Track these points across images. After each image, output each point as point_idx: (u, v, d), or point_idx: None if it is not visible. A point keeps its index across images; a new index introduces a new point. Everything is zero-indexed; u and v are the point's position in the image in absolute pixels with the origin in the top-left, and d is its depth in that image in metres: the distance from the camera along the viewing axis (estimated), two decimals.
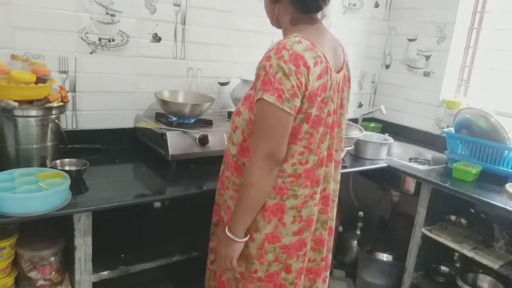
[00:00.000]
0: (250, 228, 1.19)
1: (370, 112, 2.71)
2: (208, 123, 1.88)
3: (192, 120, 1.87)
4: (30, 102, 1.43)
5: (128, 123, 1.96)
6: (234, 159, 1.24)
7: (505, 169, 1.99)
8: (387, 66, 2.84)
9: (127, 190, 1.48)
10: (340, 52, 1.23)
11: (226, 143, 1.80)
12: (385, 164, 2.15)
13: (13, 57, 1.53)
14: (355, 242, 2.54)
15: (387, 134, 2.39)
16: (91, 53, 1.79)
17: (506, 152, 1.98)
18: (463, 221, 2.07)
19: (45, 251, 1.39)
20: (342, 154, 1.31)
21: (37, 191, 1.21)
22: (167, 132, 1.67)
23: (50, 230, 1.48)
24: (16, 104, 1.39)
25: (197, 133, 1.72)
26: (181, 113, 1.81)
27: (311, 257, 1.30)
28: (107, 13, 1.78)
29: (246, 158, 1.20)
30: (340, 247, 2.59)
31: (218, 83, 2.20)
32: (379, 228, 2.67)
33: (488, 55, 2.44)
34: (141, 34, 1.89)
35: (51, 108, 1.46)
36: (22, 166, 1.42)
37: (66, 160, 1.54)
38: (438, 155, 2.42)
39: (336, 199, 1.35)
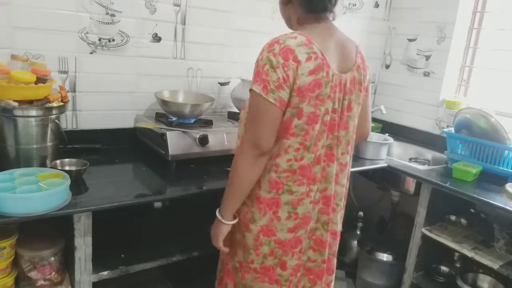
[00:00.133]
0: (247, 219, 1.24)
1: None
2: (208, 123, 1.88)
3: (192, 120, 1.87)
4: (30, 102, 1.43)
5: (128, 123, 1.96)
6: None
7: (505, 169, 1.99)
8: (387, 66, 2.84)
9: (127, 190, 1.48)
10: (352, 54, 1.23)
11: (225, 142, 1.81)
12: (385, 164, 2.15)
13: (13, 57, 1.53)
14: (355, 242, 2.54)
15: (387, 134, 2.39)
16: (91, 53, 1.79)
17: (506, 152, 1.98)
18: (463, 221, 2.07)
19: (45, 251, 1.39)
20: (348, 158, 1.29)
21: (37, 191, 1.21)
22: (167, 132, 1.67)
23: (50, 230, 1.48)
24: (16, 104, 1.39)
25: (197, 133, 1.72)
26: (181, 113, 1.81)
27: (311, 257, 1.30)
28: (107, 13, 1.78)
29: None
30: (340, 247, 2.58)
31: (218, 83, 2.20)
32: (379, 228, 2.67)
33: (488, 55, 2.44)
34: (141, 34, 1.89)
35: (51, 108, 1.46)
36: (22, 166, 1.42)
37: (66, 160, 1.54)
38: (438, 155, 2.42)
39: (341, 203, 1.32)
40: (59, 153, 1.58)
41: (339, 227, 1.36)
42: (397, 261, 2.25)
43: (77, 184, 1.43)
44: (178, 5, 1.96)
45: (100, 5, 1.76)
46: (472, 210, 2.15)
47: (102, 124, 1.89)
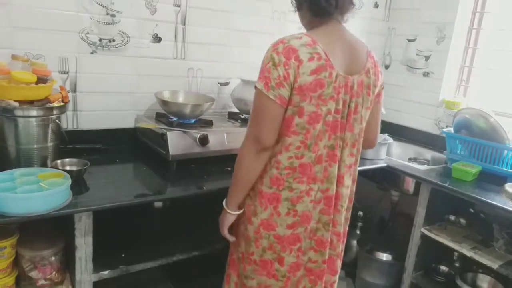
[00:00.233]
0: (250, 212, 1.29)
1: None
2: (208, 123, 1.88)
3: (192, 120, 1.87)
4: (31, 102, 1.43)
5: (129, 123, 1.96)
6: None
7: (504, 169, 1.99)
8: (387, 67, 2.84)
9: (128, 190, 1.48)
10: (362, 57, 1.24)
11: (226, 142, 1.81)
12: (385, 164, 2.15)
13: (14, 57, 1.53)
14: (355, 242, 2.54)
15: (387, 134, 2.40)
16: (91, 53, 1.80)
17: (505, 152, 1.99)
18: (462, 221, 2.07)
19: (46, 250, 1.39)
20: (354, 160, 1.31)
21: (38, 191, 1.22)
22: (168, 132, 1.68)
23: (51, 230, 1.48)
24: (16, 104, 1.39)
25: (197, 133, 1.72)
26: (181, 113, 1.82)
27: (313, 258, 1.31)
28: (108, 14, 1.79)
29: None
30: None
31: (218, 83, 2.21)
32: (379, 228, 2.67)
33: (487, 55, 2.45)
34: (141, 34, 1.89)
35: (51, 108, 1.46)
36: (23, 166, 1.43)
37: (67, 160, 1.54)
38: (437, 155, 2.42)
39: (345, 205, 1.33)
40: (60, 153, 1.58)
41: (343, 229, 1.37)
42: (397, 261, 2.25)
43: (78, 184, 1.44)
44: (178, 6, 1.96)
45: (101, 5, 1.76)
46: (472, 210, 2.15)
47: (103, 124, 1.89)
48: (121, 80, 1.90)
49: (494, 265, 1.74)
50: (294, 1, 1.29)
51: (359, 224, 2.65)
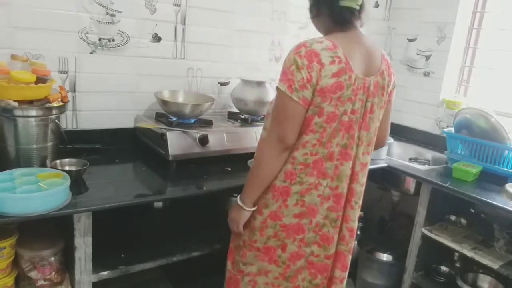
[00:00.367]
0: (261, 204, 1.32)
1: None
2: (208, 123, 1.88)
3: (192, 120, 1.87)
4: (30, 102, 1.43)
5: (128, 123, 1.96)
6: None
7: (505, 169, 1.99)
8: None
9: (127, 190, 1.48)
10: (377, 60, 1.30)
11: (225, 142, 1.81)
12: (385, 164, 2.15)
13: (13, 57, 1.53)
14: (355, 242, 2.54)
15: None
16: (91, 53, 1.79)
17: (506, 152, 1.98)
18: (463, 221, 2.07)
19: (45, 251, 1.39)
20: (369, 158, 1.37)
21: (37, 191, 1.21)
22: (167, 132, 1.67)
23: (50, 230, 1.48)
24: (16, 104, 1.39)
25: (197, 133, 1.72)
26: (181, 113, 1.81)
27: (315, 252, 1.34)
28: (107, 13, 1.78)
29: None
30: None
31: (218, 83, 2.20)
32: (379, 228, 2.67)
33: (488, 55, 2.44)
34: (141, 34, 1.89)
35: (51, 108, 1.46)
36: (22, 166, 1.42)
37: (66, 160, 1.54)
38: (438, 155, 2.42)
39: (359, 202, 1.38)
40: (59, 153, 1.58)
41: (355, 225, 1.41)
42: (397, 261, 2.25)
43: (77, 184, 1.43)
44: (178, 5, 1.96)
45: (100, 5, 1.76)
46: (472, 210, 2.15)
47: (102, 124, 1.89)
48: (120, 80, 1.89)
49: (495, 265, 1.74)
50: (313, 10, 1.31)
51: (360, 224, 2.64)
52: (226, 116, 2.15)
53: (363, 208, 2.62)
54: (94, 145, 1.82)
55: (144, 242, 1.64)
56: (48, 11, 1.66)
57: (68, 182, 1.29)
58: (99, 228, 1.37)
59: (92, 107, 1.85)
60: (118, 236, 1.63)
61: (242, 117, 2.08)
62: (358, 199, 1.37)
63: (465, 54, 2.53)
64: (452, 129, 2.22)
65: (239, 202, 1.34)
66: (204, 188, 1.57)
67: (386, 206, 2.58)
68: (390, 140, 2.31)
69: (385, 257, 2.30)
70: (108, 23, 1.80)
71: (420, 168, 2.15)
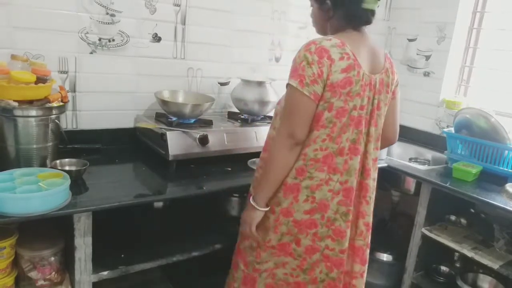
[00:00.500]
0: (273, 203, 1.33)
1: None
2: (208, 123, 1.88)
3: (192, 120, 1.87)
4: (30, 102, 1.43)
5: (128, 123, 1.96)
6: None
7: (505, 169, 1.99)
8: None
9: (127, 190, 1.48)
10: (381, 58, 1.34)
11: (225, 142, 1.81)
12: (385, 164, 2.15)
13: (13, 57, 1.53)
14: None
15: None
16: (91, 53, 1.79)
17: (506, 152, 1.98)
18: (463, 221, 2.07)
19: (45, 251, 1.39)
20: (378, 153, 1.41)
21: (37, 191, 1.21)
22: (167, 132, 1.67)
23: (50, 230, 1.48)
24: (16, 104, 1.39)
25: (197, 133, 1.72)
26: (181, 113, 1.81)
27: (330, 246, 1.35)
28: (107, 13, 1.78)
29: None
30: None
31: (218, 83, 2.20)
32: (379, 228, 2.67)
33: (488, 55, 2.44)
34: (141, 34, 1.89)
35: (51, 108, 1.46)
36: (22, 166, 1.42)
37: (66, 160, 1.54)
38: (438, 155, 2.42)
39: (373, 196, 1.42)
40: (59, 153, 1.58)
41: (371, 219, 1.44)
42: (397, 261, 2.25)
43: (77, 184, 1.43)
44: (178, 5, 1.96)
45: (100, 5, 1.76)
46: (472, 210, 2.15)
47: (102, 124, 1.89)
48: (120, 80, 1.89)
49: (495, 265, 1.74)
50: (329, 12, 1.31)
51: None
52: (226, 116, 2.15)
53: None
54: (94, 145, 1.82)
55: (144, 242, 1.64)
56: (48, 11, 1.66)
57: (68, 182, 1.29)
58: (99, 228, 1.37)
59: (92, 107, 1.85)
60: (118, 236, 1.63)
61: (242, 117, 2.08)
62: (372, 194, 1.41)
63: (465, 54, 2.53)
64: (452, 129, 2.22)
65: (252, 203, 1.33)
66: (204, 188, 1.56)
67: (386, 206, 2.57)
68: None
69: (385, 257, 2.30)
70: (108, 23, 1.80)
71: (420, 168, 2.15)
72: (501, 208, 1.69)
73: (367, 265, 1.47)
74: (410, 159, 2.51)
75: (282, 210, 1.32)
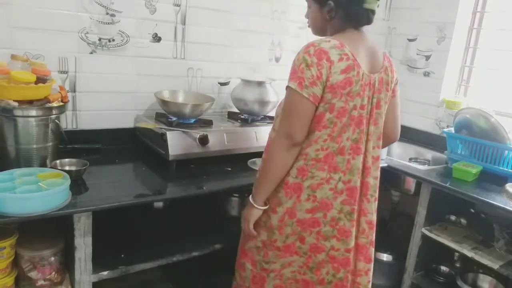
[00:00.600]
0: (274, 203, 1.35)
1: None
2: (208, 123, 1.88)
3: (192, 120, 1.87)
4: (30, 102, 1.43)
5: (128, 123, 1.96)
6: None
7: (505, 169, 1.99)
8: None
9: (127, 190, 1.48)
10: (380, 58, 1.34)
11: (225, 142, 1.81)
12: (385, 164, 2.15)
13: (13, 57, 1.53)
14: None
15: None
16: (91, 53, 1.79)
17: (506, 152, 1.98)
18: (463, 221, 2.07)
19: (45, 251, 1.39)
20: (379, 152, 1.41)
21: (37, 191, 1.21)
22: (167, 132, 1.67)
23: (50, 230, 1.48)
24: (16, 104, 1.39)
25: (197, 133, 1.72)
26: (181, 113, 1.81)
27: (335, 246, 1.35)
28: (107, 13, 1.78)
29: None
30: None
31: (218, 83, 2.20)
32: (379, 228, 2.66)
33: (488, 55, 2.44)
34: (141, 34, 1.89)
35: (51, 108, 1.46)
36: (22, 166, 1.42)
37: (66, 160, 1.54)
38: (438, 155, 2.42)
39: (375, 194, 1.42)
40: (59, 153, 1.58)
41: (374, 217, 1.44)
42: (397, 261, 2.25)
43: (77, 184, 1.43)
44: (178, 5, 1.96)
45: (100, 5, 1.76)
46: (472, 210, 2.15)
47: (102, 124, 1.89)
48: (120, 80, 1.89)
49: (495, 265, 1.74)
50: (331, 13, 1.31)
51: None
52: (226, 116, 2.15)
53: None
54: (94, 145, 1.82)
55: (144, 242, 1.64)
56: (48, 11, 1.66)
57: (68, 182, 1.29)
58: (99, 228, 1.37)
59: (92, 107, 1.85)
60: (118, 236, 1.63)
61: (242, 117, 2.08)
62: (374, 192, 1.41)
63: (465, 54, 2.53)
64: (452, 129, 2.22)
65: (251, 200, 1.36)
66: (204, 188, 1.56)
67: (386, 206, 2.57)
68: None
69: (385, 257, 2.30)
70: (108, 23, 1.80)
71: (420, 168, 2.15)
72: (501, 208, 1.69)
73: (372, 263, 1.46)
74: (410, 159, 2.51)
75: (287, 211, 1.32)
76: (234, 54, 2.20)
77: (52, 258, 1.40)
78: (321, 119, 1.25)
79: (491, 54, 2.41)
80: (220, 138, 1.79)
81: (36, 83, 1.45)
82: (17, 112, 1.39)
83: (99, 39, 1.79)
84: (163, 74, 2.00)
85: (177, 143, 1.68)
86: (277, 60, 2.37)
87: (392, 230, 2.57)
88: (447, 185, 1.89)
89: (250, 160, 1.86)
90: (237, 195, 1.86)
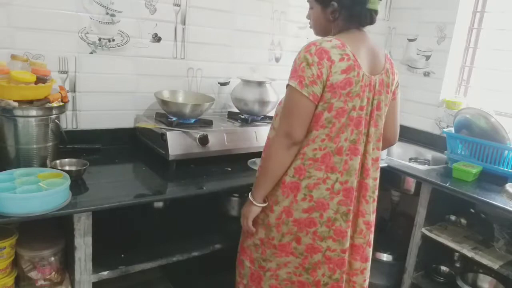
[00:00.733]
0: (271, 201, 1.36)
1: None
2: (208, 123, 1.88)
3: (192, 120, 1.87)
4: (30, 102, 1.43)
5: (128, 123, 1.96)
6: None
7: (505, 169, 1.99)
8: None
9: (127, 190, 1.48)
10: (381, 59, 1.34)
11: (225, 142, 1.81)
12: (385, 164, 2.15)
13: (13, 57, 1.53)
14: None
15: None
16: (91, 53, 1.79)
17: (506, 152, 1.98)
18: (463, 221, 2.07)
19: (45, 251, 1.39)
20: (379, 153, 1.41)
21: (37, 191, 1.21)
22: (167, 132, 1.67)
23: (50, 230, 1.48)
24: (16, 104, 1.39)
25: (197, 133, 1.72)
26: (181, 113, 1.81)
27: (331, 247, 1.36)
28: (107, 13, 1.78)
29: None
30: None
31: (218, 83, 2.20)
32: (379, 228, 2.66)
33: (488, 55, 2.44)
34: (141, 34, 1.89)
35: (51, 108, 1.46)
36: (22, 166, 1.42)
37: (66, 160, 1.54)
38: (438, 155, 2.42)
39: (374, 195, 1.43)
40: (59, 153, 1.58)
41: (372, 218, 1.44)
42: (397, 261, 2.25)
43: (77, 184, 1.43)
44: (178, 5, 1.96)
45: (100, 5, 1.76)
46: (472, 210, 2.14)
47: (102, 124, 1.89)
48: (120, 80, 1.89)
49: (495, 265, 1.74)
50: (334, 14, 1.30)
51: None
52: (226, 116, 2.15)
53: None
54: (94, 145, 1.82)
55: (144, 242, 1.64)
56: (48, 11, 1.66)
57: (68, 182, 1.29)
58: (99, 228, 1.37)
59: (92, 107, 1.85)
60: (118, 236, 1.63)
61: (242, 117, 2.08)
62: (373, 193, 1.41)
63: (465, 54, 2.53)
64: (452, 129, 2.22)
65: (250, 197, 1.37)
66: (204, 188, 1.56)
67: (386, 206, 2.57)
68: None
69: (385, 257, 2.30)
70: (108, 23, 1.80)
71: (420, 168, 2.15)
72: (501, 208, 1.69)
73: (369, 263, 1.47)
74: (410, 159, 2.51)
75: (284, 210, 1.33)
76: (234, 54, 2.20)
77: (52, 258, 1.40)
78: (319, 119, 1.26)
79: (491, 54, 2.41)
80: (220, 138, 1.79)
81: (36, 83, 1.45)
82: (17, 112, 1.39)
83: (99, 39, 1.79)
84: (163, 74, 2.00)
85: (177, 143, 1.68)
86: (277, 60, 2.37)
87: (392, 230, 2.57)
88: (447, 185, 1.89)
89: (250, 160, 1.86)
90: (237, 195, 1.86)
